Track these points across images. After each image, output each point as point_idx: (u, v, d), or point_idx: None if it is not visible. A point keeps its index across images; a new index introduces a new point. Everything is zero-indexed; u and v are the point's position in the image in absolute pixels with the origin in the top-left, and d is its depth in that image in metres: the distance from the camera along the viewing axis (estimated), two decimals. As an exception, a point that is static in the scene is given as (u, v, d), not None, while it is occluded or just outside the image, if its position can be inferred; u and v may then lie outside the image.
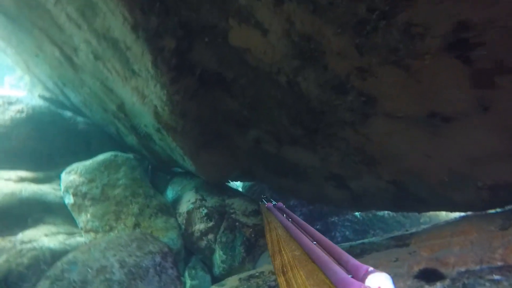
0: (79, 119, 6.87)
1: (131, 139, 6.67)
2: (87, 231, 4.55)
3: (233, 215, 5.47)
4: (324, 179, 4.71)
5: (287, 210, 2.53)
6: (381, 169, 3.61)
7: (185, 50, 3.62)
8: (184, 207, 5.66)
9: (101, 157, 5.53)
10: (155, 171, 8.05)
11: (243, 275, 3.52)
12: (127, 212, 5.06)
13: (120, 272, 3.06)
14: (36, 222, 4.41)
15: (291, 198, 8.15)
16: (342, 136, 3.63)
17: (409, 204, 3.92)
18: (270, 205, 3.04)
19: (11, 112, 5.50)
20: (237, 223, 5.27)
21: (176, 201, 6.12)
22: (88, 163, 5.30)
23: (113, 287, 2.96)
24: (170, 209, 5.71)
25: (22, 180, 4.87)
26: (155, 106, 4.39)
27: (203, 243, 5.30)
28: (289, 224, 2.04)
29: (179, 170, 7.70)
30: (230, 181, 7.23)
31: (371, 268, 0.94)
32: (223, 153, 5.54)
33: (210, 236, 5.29)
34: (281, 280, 1.45)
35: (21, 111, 5.59)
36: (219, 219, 5.45)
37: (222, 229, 5.34)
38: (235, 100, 4.18)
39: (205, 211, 5.47)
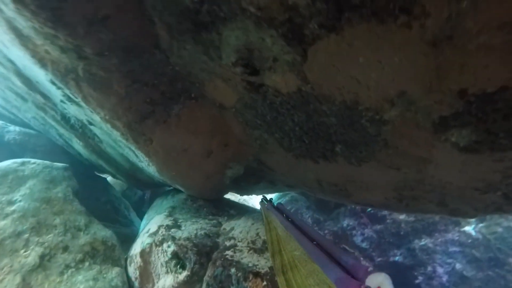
0: (12, 128, 4.72)
1: (77, 144, 4.29)
2: None
3: (228, 253, 2.61)
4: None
5: (287, 210, 2.54)
6: None
7: None
8: (138, 244, 2.93)
9: (-7, 166, 3.14)
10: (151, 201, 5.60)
11: None
12: (11, 263, 2.46)
13: None
14: None
15: (339, 207, 4.94)
16: None
17: None
18: (270, 205, 2.80)
19: None
20: (233, 269, 2.39)
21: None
22: (-42, 177, 2.91)
23: None
24: (114, 251, 3.01)
25: None
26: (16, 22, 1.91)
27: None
28: (289, 224, 2.02)
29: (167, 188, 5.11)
30: (237, 192, 4.39)
31: (370, 268, 1.00)
32: (198, 124, 2.82)
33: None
34: (281, 280, 1.47)
35: None
36: (201, 261, 2.62)
37: (204, 283, 2.49)
38: None
39: (172, 248, 2.68)
